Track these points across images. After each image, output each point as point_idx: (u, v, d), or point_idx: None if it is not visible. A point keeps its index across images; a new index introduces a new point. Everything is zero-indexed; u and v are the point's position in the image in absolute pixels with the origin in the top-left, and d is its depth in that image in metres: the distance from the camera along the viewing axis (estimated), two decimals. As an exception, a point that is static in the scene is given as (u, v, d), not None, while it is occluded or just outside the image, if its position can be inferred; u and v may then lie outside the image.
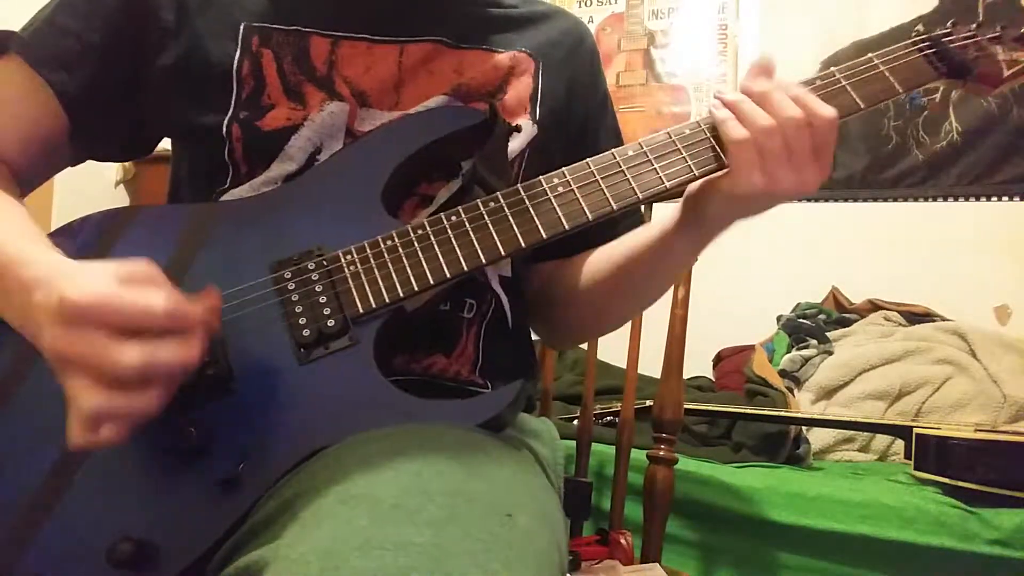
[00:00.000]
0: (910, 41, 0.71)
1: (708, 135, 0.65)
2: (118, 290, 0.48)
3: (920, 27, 0.67)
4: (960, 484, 1.21)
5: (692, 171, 0.64)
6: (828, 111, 0.61)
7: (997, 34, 0.72)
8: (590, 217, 0.63)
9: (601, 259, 0.80)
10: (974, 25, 0.73)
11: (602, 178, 0.64)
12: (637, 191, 0.64)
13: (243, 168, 0.71)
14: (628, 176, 0.64)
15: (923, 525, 1.18)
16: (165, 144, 0.81)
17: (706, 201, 0.66)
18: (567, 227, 0.63)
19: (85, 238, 0.65)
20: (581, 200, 0.63)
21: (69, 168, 0.77)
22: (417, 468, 0.46)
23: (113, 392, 0.47)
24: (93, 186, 2.32)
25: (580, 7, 2.75)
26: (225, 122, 0.70)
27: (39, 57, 0.69)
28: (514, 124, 0.74)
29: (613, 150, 0.65)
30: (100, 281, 0.48)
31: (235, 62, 0.71)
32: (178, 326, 0.49)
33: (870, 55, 0.69)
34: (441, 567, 0.38)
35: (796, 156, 0.61)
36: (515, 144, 0.76)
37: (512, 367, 0.74)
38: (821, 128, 0.61)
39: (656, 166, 0.64)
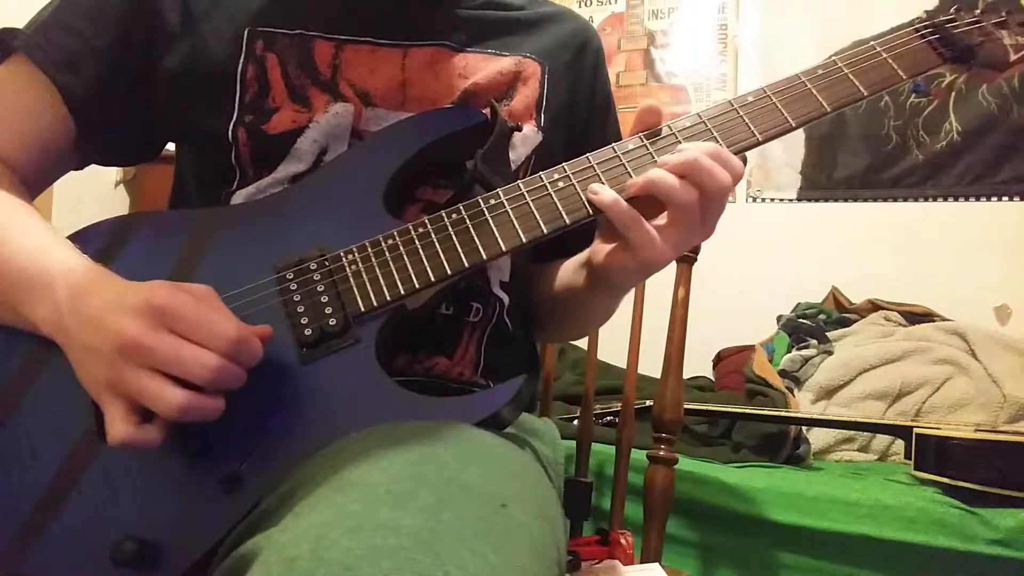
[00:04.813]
0: (913, 28, 0.71)
1: (708, 127, 0.64)
2: (178, 343, 0.51)
3: (923, 13, 0.67)
4: (960, 484, 1.20)
5: None
6: (738, 163, 0.61)
7: (1002, 18, 0.72)
8: (590, 211, 0.62)
9: (557, 280, 0.81)
10: (978, 11, 0.72)
11: (602, 172, 0.63)
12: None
13: (250, 171, 0.71)
14: (628, 169, 0.63)
15: (923, 525, 1.18)
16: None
17: (610, 272, 0.66)
18: (568, 222, 0.62)
19: (96, 244, 0.64)
20: (581, 194, 0.63)
21: (70, 170, 0.76)
22: (413, 458, 0.46)
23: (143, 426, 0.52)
24: (93, 186, 2.31)
25: (580, 7, 2.75)
26: (230, 126, 0.70)
27: (46, 57, 0.68)
28: (518, 126, 0.74)
29: (613, 144, 0.65)
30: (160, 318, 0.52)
31: (239, 66, 0.70)
32: (219, 388, 0.52)
33: (872, 43, 0.68)
34: (431, 548, 0.38)
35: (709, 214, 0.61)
36: (520, 151, 0.76)
37: (514, 368, 0.74)
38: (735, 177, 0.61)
39: (657, 159, 0.63)
